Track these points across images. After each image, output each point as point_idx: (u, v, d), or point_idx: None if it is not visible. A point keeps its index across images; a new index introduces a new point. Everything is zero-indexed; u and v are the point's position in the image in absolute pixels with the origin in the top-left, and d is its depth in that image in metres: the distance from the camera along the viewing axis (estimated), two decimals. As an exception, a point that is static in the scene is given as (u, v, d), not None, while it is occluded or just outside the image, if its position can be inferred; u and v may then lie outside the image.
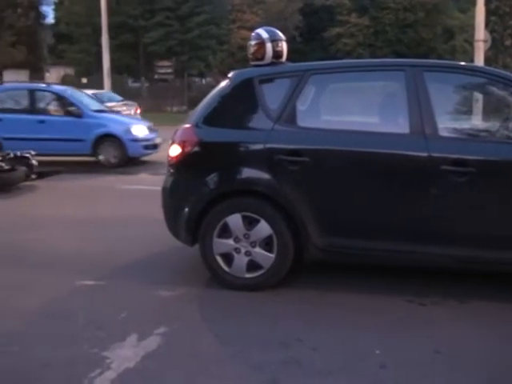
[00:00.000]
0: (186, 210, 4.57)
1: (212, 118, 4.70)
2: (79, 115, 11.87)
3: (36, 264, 5.34)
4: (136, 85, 40.33)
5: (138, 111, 21.23)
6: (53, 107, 12.46)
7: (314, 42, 44.24)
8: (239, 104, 4.67)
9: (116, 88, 26.71)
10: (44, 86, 13.64)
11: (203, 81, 44.52)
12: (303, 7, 43.52)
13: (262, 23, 37.85)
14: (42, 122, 11.92)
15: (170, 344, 3.65)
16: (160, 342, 3.67)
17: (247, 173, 4.50)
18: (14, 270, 5.13)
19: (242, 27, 40.51)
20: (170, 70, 30.90)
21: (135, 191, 9.19)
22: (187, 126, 4.73)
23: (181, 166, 4.69)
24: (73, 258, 5.51)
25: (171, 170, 4.76)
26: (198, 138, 4.63)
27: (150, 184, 9.34)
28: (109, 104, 19.05)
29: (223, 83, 4.80)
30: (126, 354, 3.50)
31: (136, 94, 34.97)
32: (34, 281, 4.85)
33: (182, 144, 4.64)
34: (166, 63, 31.53)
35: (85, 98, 13.32)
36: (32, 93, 12.48)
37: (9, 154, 9.45)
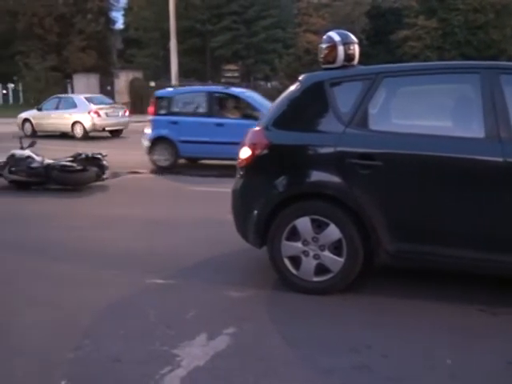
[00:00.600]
0: (255, 212, 4.60)
1: (282, 121, 4.71)
2: (258, 118, 11.50)
3: (107, 262, 5.48)
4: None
5: (127, 113, 21.46)
6: (231, 110, 12.26)
7: (380, 45, 43.73)
8: (309, 107, 4.66)
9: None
10: (221, 88, 13.44)
11: (268, 84, 44.67)
12: (370, 10, 43.14)
13: (329, 27, 37.78)
14: (220, 125, 11.62)
15: (238, 344, 3.68)
16: (229, 342, 3.70)
17: (317, 176, 4.48)
18: (87, 268, 5.29)
19: (307, 31, 40.45)
20: (236, 74, 31.14)
21: (204, 193, 9.30)
22: (257, 128, 4.76)
23: (250, 168, 4.72)
24: (143, 256, 5.63)
25: (241, 173, 4.79)
26: (267, 140, 4.65)
27: (219, 186, 9.43)
28: (99, 106, 20.00)
29: (293, 86, 4.80)
30: (195, 352, 3.55)
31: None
32: (106, 278, 4.99)
33: (252, 146, 4.67)
34: (232, 67, 31.81)
35: (264, 100, 12.70)
36: (209, 95, 12.17)
37: (80, 155, 9.74)
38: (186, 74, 33.49)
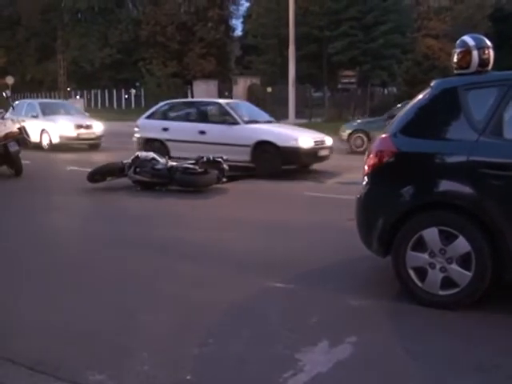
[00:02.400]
0: (380, 220, 4.51)
1: (411, 128, 4.59)
2: None
3: (229, 263, 5.59)
4: (318, 94, 40.83)
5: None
6: None
7: (504, 49, 41.62)
8: (441, 114, 4.51)
9: (299, 97, 27.29)
10: None
11: (385, 90, 43.86)
12: (493, 13, 41.21)
13: (449, 31, 36.47)
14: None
15: (360, 355, 3.62)
16: (351, 351, 3.65)
17: (446, 185, 4.32)
18: (209, 268, 5.43)
19: (427, 35, 39.31)
20: (353, 80, 30.89)
21: (322, 199, 9.27)
22: (385, 135, 4.68)
23: (376, 175, 4.65)
24: (262, 259, 5.70)
25: (367, 180, 4.73)
26: (395, 148, 4.55)
27: (336, 192, 9.46)
28: None
29: (423, 92, 4.67)
30: (317, 358, 3.54)
31: (318, 104, 35.44)
32: (227, 279, 5.10)
33: (379, 154, 4.59)
34: (349, 73, 31.55)
35: None
36: None
37: (202, 158, 10.04)
38: (300, 80, 33.67)
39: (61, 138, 17.48)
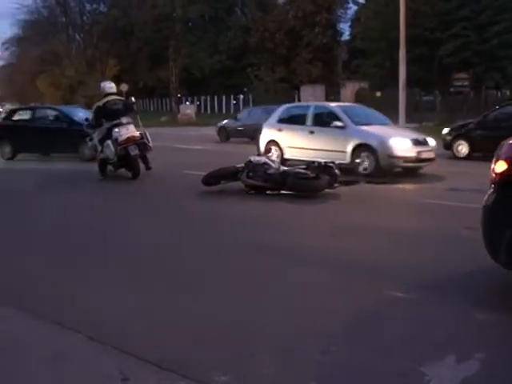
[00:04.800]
0: (509, 230, 4.29)
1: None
2: None
3: (346, 270, 5.52)
4: (427, 98, 39.72)
5: None
6: None
7: None
8: None
9: (408, 101, 26.62)
10: None
11: (498, 93, 41.90)
12: None
13: None
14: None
15: (489, 372, 3.46)
16: (479, 367, 3.50)
17: None
18: (327, 274, 5.38)
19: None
20: (466, 83, 29.79)
21: (435, 205, 8.96)
22: (513, 141, 4.45)
23: (505, 183, 4.43)
24: (381, 267, 5.58)
25: (495, 187, 4.51)
26: (526, 154, 4.32)
27: (449, 199, 9.15)
28: None
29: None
30: (444, 373, 3.42)
31: (429, 108, 34.44)
32: (346, 286, 5.03)
33: (509, 160, 4.37)
34: (463, 75, 30.46)
35: None
36: None
37: (314, 163, 10.02)
38: (410, 84, 32.83)
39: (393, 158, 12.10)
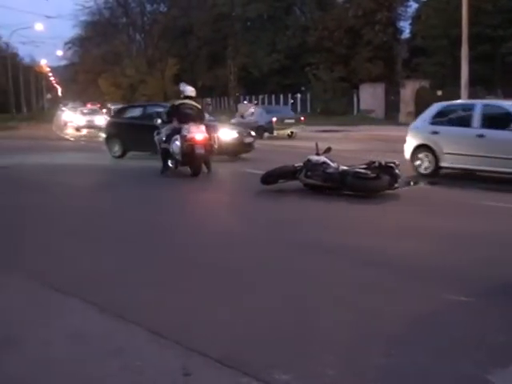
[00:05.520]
0: None
1: None
2: None
3: (405, 271, 5.44)
4: (489, 97, 38.66)
5: None
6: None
7: None
8: None
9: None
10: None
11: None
12: None
13: None
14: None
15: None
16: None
17: None
18: (386, 275, 5.32)
19: None
20: (532, 82, 28.87)
21: (499, 208, 8.75)
22: None
23: None
24: (440, 269, 5.48)
25: None
26: None
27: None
28: None
29: None
30: (510, 379, 3.33)
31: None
32: (405, 288, 4.97)
33: None
34: (528, 74, 29.55)
35: None
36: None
37: (374, 163, 9.92)
38: (472, 82, 32.08)
39: None
